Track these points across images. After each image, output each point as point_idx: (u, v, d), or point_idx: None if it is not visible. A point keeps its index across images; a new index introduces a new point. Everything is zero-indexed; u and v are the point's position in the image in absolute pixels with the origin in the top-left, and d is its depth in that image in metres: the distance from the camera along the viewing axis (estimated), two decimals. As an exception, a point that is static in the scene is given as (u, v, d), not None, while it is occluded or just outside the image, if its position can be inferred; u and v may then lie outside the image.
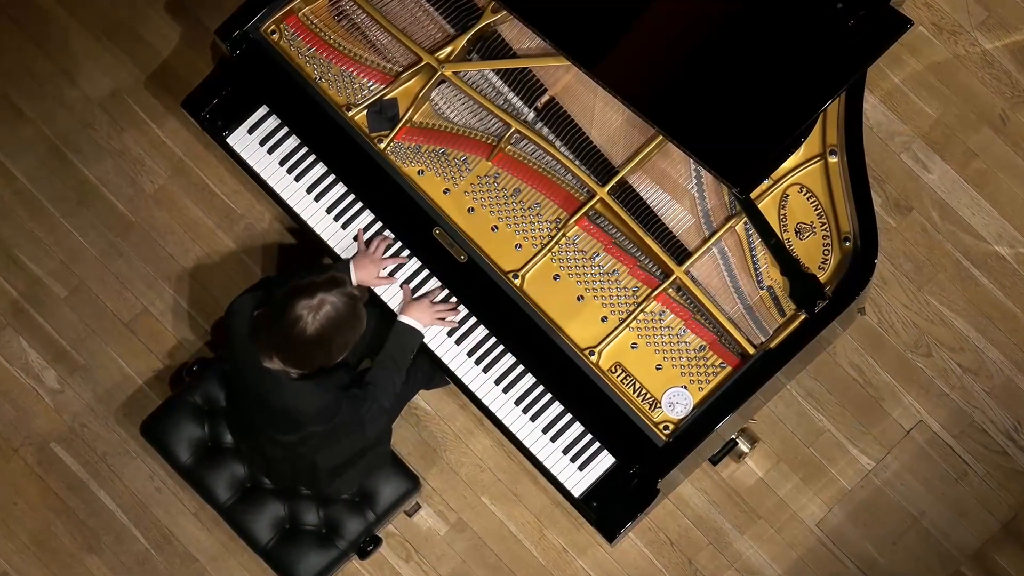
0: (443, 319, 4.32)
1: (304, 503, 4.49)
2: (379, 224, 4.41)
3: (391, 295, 4.37)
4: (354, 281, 4.29)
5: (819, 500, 4.82)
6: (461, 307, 4.34)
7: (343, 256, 4.42)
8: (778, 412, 4.86)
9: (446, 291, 4.37)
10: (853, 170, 4.20)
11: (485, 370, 4.36)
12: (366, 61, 4.45)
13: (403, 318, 4.30)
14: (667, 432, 4.24)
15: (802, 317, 4.19)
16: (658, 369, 4.27)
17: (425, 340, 4.36)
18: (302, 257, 4.97)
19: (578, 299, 4.31)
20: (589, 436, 4.31)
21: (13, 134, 5.06)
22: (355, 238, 4.39)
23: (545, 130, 4.35)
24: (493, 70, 4.38)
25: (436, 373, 4.56)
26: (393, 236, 4.37)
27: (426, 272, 4.39)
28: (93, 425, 4.93)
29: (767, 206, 4.27)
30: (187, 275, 4.99)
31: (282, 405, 4.01)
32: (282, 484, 4.44)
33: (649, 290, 4.28)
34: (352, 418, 4.12)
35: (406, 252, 4.37)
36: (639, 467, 4.26)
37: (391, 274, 4.37)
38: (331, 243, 4.43)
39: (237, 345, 4.04)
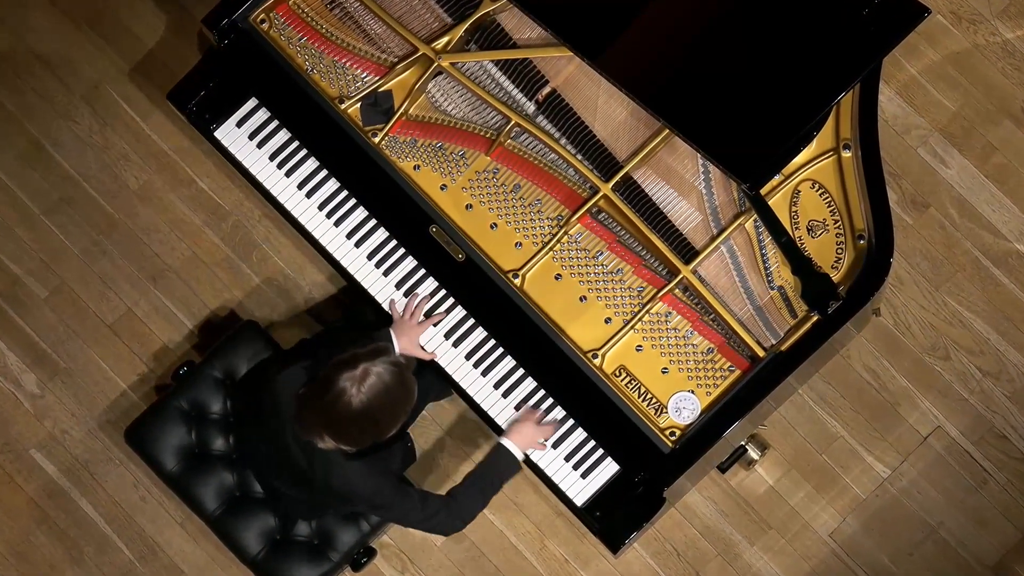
0: (543, 441, 4.28)
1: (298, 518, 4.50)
2: (376, 224, 4.43)
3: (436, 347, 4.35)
4: (397, 350, 4.27)
5: (832, 509, 4.84)
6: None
7: (341, 260, 4.42)
8: (789, 418, 4.87)
9: (442, 292, 4.38)
10: (868, 165, 4.21)
11: (484, 374, 4.37)
12: (360, 51, 4.46)
13: (505, 441, 4.25)
14: (673, 438, 4.25)
15: (814, 318, 4.20)
16: (664, 373, 4.28)
17: (420, 342, 4.37)
18: (294, 257, 4.98)
19: (580, 300, 4.32)
20: (592, 443, 4.32)
21: (-9, 128, 5.08)
22: (389, 308, 4.35)
23: (546, 123, 4.37)
24: (492, 61, 4.39)
25: (445, 387, 4.55)
26: (429, 293, 4.35)
27: (422, 272, 4.40)
28: (75, 431, 4.94)
29: (778, 203, 4.28)
30: (173, 275, 5.00)
31: (335, 486, 4.02)
32: (281, 510, 4.48)
33: (655, 290, 4.29)
34: (408, 516, 4.11)
35: (446, 305, 4.35)
36: (644, 475, 4.27)
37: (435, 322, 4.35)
38: (324, 241, 4.44)
39: (280, 420, 4.01)
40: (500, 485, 4.24)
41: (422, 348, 4.34)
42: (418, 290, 4.39)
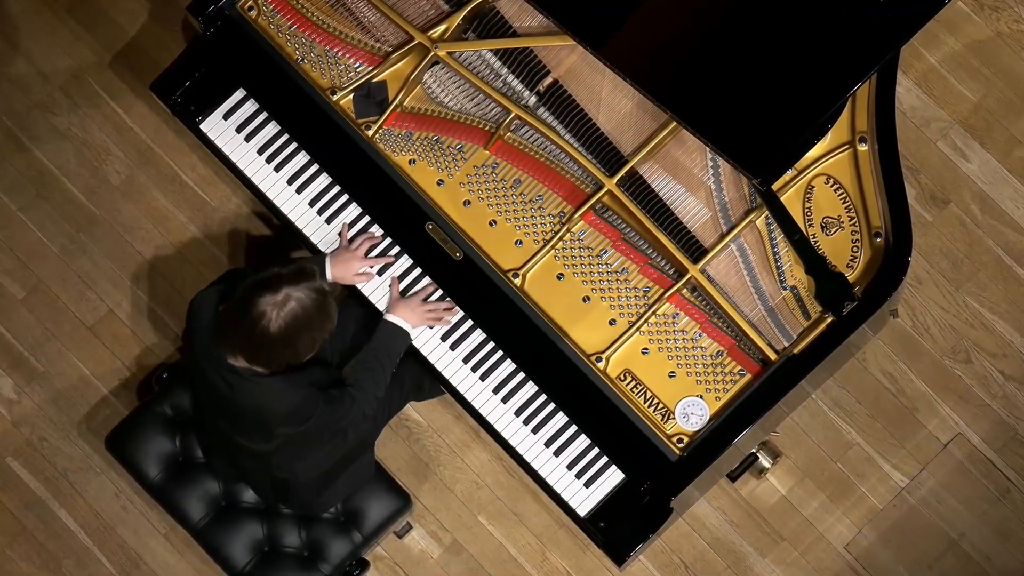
0: (435, 319, 4.35)
1: (284, 523, 4.51)
2: (367, 219, 4.43)
3: (379, 294, 4.40)
4: (328, 277, 4.32)
5: (848, 520, 4.85)
6: (456, 308, 4.37)
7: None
8: (803, 424, 4.88)
9: (439, 291, 4.40)
10: (885, 159, 4.21)
11: (482, 378, 4.39)
12: (352, 40, 4.47)
13: (389, 316, 4.32)
14: (681, 446, 4.26)
15: (829, 320, 4.21)
16: (671, 377, 4.30)
17: (416, 344, 4.38)
18: (283, 254, 4.99)
19: (584, 300, 4.33)
20: (596, 450, 4.33)
21: (-35, 119, 5.09)
22: (339, 233, 4.41)
23: (548, 116, 4.38)
24: (491, 50, 4.40)
25: (428, 381, 4.58)
26: (381, 234, 4.40)
27: (418, 271, 4.41)
28: (53, 438, 4.95)
29: (790, 199, 4.29)
30: (156, 274, 5.01)
31: (251, 405, 4.03)
32: (265, 500, 4.47)
33: (661, 290, 4.30)
34: (329, 421, 4.14)
35: (394, 251, 4.40)
36: (650, 484, 4.28)
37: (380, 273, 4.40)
38: (314, 239, 4.46)
39: (198, 344, 4.06)
40: (396, 357, 4.28)
41: (355, 274, 4.36)
42: (416, 285, 4.40)
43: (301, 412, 4.07)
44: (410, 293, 4.38)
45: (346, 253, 4.36)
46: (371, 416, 4.27)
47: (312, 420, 4.10)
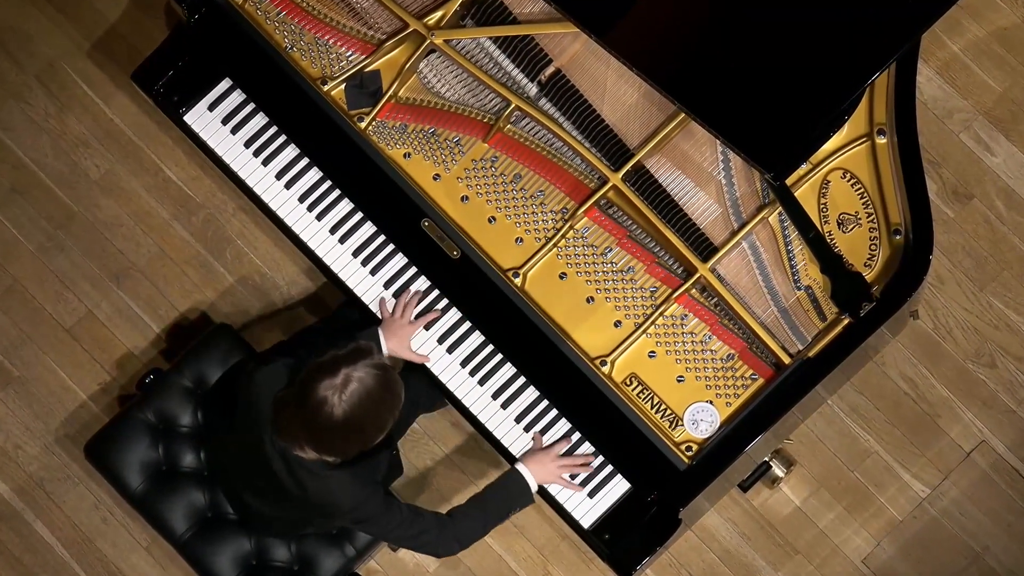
0: (569, 473, 4.30)
1: (273, 538, 4.52)
2: (363, 217, 4.45)
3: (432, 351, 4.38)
4: (384, 352, 4.31)
5: (865, 532, 4.86)
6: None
7: (324, 257, 4.44)
8: (818, 431, 4.89)
9: (435, 292, 4.41)
10: (904, 152, 4.22)
11: (481, 382, 4.40)
12: (344, 27, 4.49)
13: (521, 467, 4.27)
14: (690, 454, 4.28)
15: (845, 322, 4.22)
16: (679, 381, 4.31)
17: (412, 346, 4.40)
18: (271, 254, 5.00)
19: (587, 301, 4.35)
20: (600, 458, 4.34)
21: (-64, 111, 5.10)
22: (379, 306, 4.38)
23: (550, 107, 4.39)
24: (490, 38, 4.41)
25: (438, 395, 4.58)
26: (424, 290, 4.37)
27: (413, 270, 4.42)
28: (29, 446, 4.96)
29: (805, 194, 4.30)
30: (138, 273, 5.02)
31: (316, 498, 4.03)
32: (257, 530, 4.50)
33: (669, 291, 4.31)
34: (394, 532, 4.12)
35: (441, 304, 4.40)
36: (658, 494, 4.29)
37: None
38: (304, 236, 4.46)
39: (258, 426, 4.02)
40: (507, 515, 4.26)
41: (413, 351, 4.37)
42: (410, 287, 4.42)
43: (364, 510, 4.07)
44: (547, 441, 4.32)
45: (394, 323, 4.34)
46: (444, 555, 4.22)
47: (372, 523, 4.10)
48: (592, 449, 4.31)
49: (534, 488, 4.27)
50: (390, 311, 4.37)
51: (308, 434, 3.89)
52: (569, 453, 4.31)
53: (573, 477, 4.30)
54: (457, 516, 4.20)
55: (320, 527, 4.43)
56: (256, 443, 4.04)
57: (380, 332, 4.32)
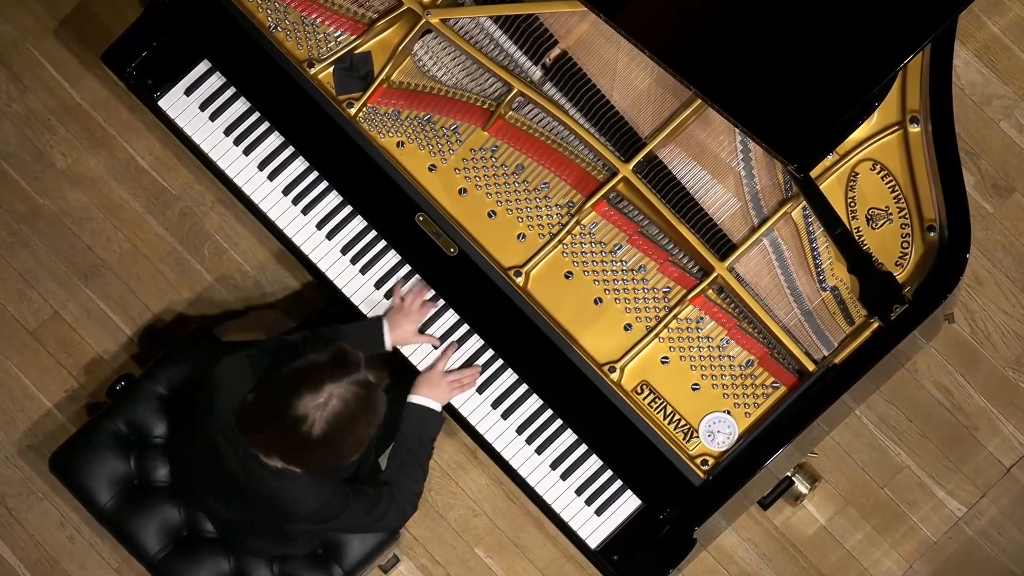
0: (464, 387, 4.36)
1: (254, 557, 4.53)
2: (352, 212, 4.46)
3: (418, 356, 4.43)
4: (388, 343, 4.34)
5: (896, 554, 4.87)
6: (478, 353, 4.37)
7: (310, 255, 4.44)
8: (845, 444, 4.90)
9: (432, 293, 4.42)
10: (940, 142, 4.23)
11: (480, 391, 4.40)
12: (332, 5, 4.49)
13: (413, 398, 4.33)
14: (706, 468, 4.28)
15: (875, 326, 4.23)
16: (695, 390, 4.32)
17: (404, 352, 4.40)
18: (253, 250, 5.01)
19: (595, 302, 4.36)
20: (609, 473, 4.35)
21: None
22: (393, 298, 4.42)
23: (555, 92, 4.40)
24: (490, 17, 4.42)
25: None
26: (432, 291, 4.41)
27: (407, 268, 4.43)
28: (-10, 458, 4.98)
29: (831, 187, 4.31)
30: (108, 271, 5.03)
31: (274, 499, 4.06)
32: (233, 544, 4.50)
33: (684, 292, 4.32)
34: (363, 520, 4.19)
35: (438, 304, 4.41)
36: (671, 512, 4.30)
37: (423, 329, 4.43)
38: (289, 232, 4.47)
39: (217, 417, 4.04)
40: (431, 444, 4.33)
41: (421, 335, 4.40)
42: (406, 284, 4.43)
43: (329, 510, 4.10)
44: (430, 357, 4.39)
45: (400, 314, 4.37)
46: (411, 513, 4.29)
47: (339, 520, 4.14)
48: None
49: (437, 408, 4.33)
50: (400, 299, 4.38)
51: (280, 446, 3.92)
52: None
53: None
54: (393, 474, 4.26)
55: (299, 542, 4.42)
56: (212, 443, 4.06)
57: (386, 322, 4.33)
